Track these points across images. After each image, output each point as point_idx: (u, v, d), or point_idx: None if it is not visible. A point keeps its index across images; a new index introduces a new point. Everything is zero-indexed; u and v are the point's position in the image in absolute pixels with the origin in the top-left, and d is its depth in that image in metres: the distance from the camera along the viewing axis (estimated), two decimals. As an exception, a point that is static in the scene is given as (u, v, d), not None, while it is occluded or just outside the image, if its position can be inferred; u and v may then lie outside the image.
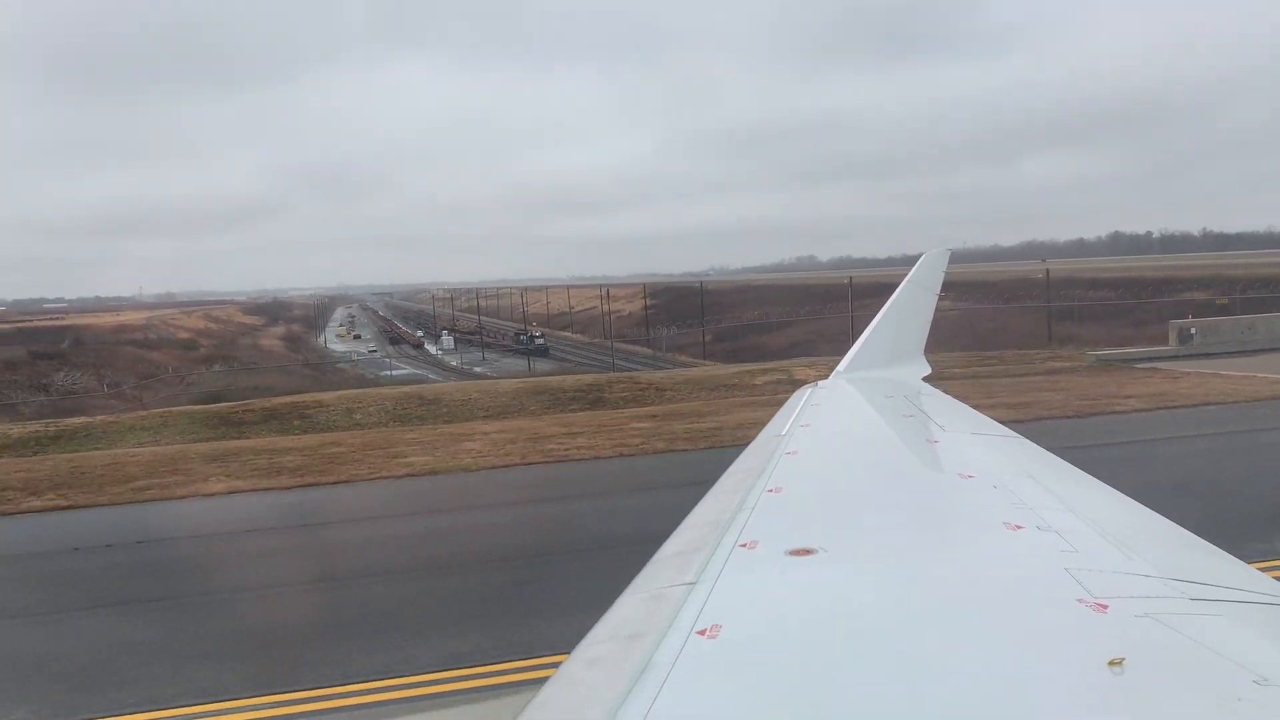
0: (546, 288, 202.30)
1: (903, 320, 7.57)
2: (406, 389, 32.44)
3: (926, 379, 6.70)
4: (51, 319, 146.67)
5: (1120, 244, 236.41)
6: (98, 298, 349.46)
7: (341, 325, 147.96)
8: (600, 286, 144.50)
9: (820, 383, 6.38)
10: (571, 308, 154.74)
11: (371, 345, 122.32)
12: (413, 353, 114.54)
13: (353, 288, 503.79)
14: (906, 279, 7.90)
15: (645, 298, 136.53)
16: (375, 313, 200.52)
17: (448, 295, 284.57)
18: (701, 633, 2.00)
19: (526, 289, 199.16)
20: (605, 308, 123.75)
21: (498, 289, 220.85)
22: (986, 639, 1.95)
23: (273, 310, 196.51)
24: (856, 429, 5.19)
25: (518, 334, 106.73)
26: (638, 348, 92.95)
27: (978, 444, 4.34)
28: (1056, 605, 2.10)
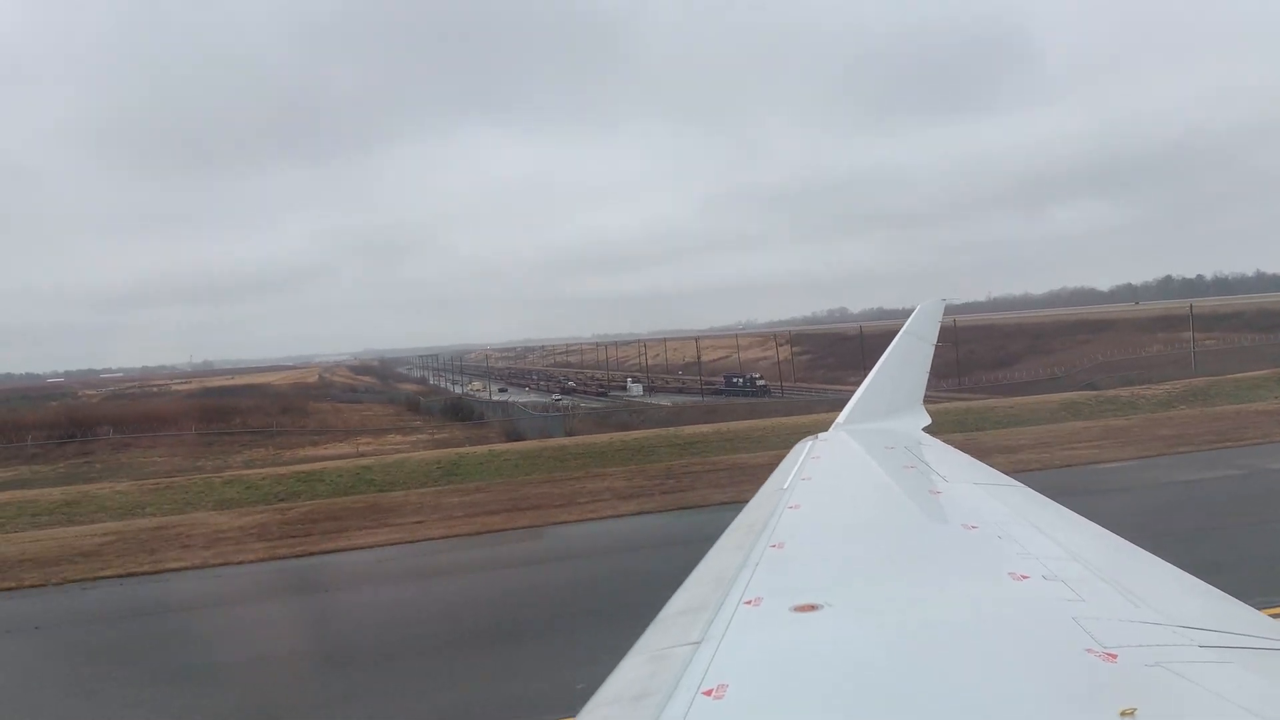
0: (631, 342, 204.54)
1: (901, 371, 7.62)
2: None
3: (926, 429, 6.75)
4: (185, 379, 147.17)
5: (1173, 288, 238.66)
6: (144, 367, 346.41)
7: (475, 381, 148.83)
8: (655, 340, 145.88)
9: (820, 435, 6.43)
10: (701, 358, 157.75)
11: (556, 395, 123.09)
12: (601, 401, 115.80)
13: (384, 351, 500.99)
14: (903, 330, 7.98)
15: (789, 344, 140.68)
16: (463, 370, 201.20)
17: (510, 353, 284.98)
18: (708, 693, 2.01)
19: (615, 344, 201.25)
20: (778, 355, 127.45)
21: (581, 346, 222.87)
22: (997, 692, 1.95)
23: (379, 371, 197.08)
24: (858, 481, 5.20)
25: (730, 377, 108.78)
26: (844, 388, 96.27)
27: (980, 494, 4.34)
28: (1066, 655, 2.11)
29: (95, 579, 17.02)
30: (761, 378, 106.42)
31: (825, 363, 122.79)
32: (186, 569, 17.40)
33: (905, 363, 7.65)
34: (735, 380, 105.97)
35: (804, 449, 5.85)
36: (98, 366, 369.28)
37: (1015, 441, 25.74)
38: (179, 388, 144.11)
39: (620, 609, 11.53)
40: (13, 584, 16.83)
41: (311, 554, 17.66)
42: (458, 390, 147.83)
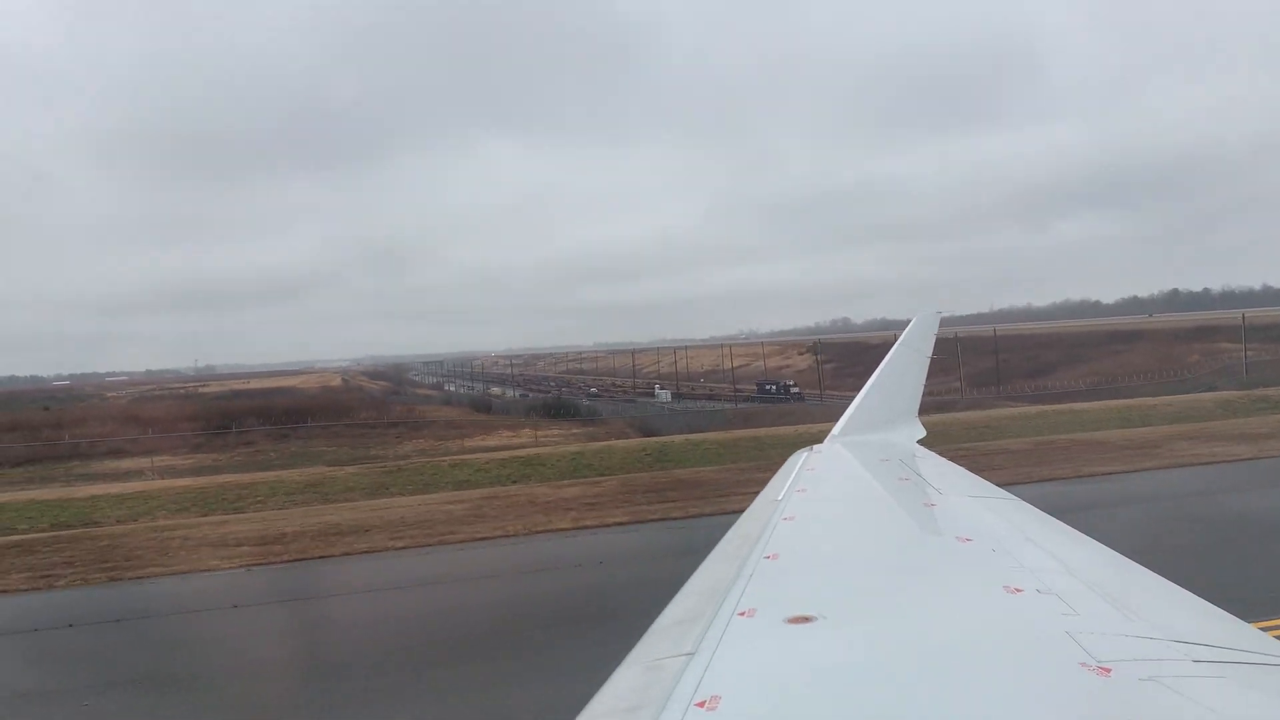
0: (642, 350, 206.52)
1: (896, 383, 7.68)
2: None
3: (921, 441, 6.80)
4: (200, 383, 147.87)
5: (1180, 301, 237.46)
6: (147, 370, 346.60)
7: (494, 386, 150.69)
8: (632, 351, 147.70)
9: (815, 447, 6.50)
10: (726, 366, 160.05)
11: (583, 400, 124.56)
12: (634, 407, 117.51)
13: (384, 358, 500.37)
14: (899, 342, 8.06)
15: (811, 352, 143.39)
16: (475, 376, 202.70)
17: (517, 361, 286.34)
18: (701, 705, 2.01)
19: (629, 351, 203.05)
20: (816, 362, 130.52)
21: (596, 354, 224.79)
22: (990, 706, 1.96)
23: (392, 376, 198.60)
24: (853, 493, 5.25)
25: (763, 384, 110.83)
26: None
27: (975, 507, 4.41)
28: (1059, 669, 2.12)
29: (536, 533, 19.29)
30: (795, 384, 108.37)
31: (854, 370, 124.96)
32: (603, 526, 19.57)
33: (901, 374, 7.75)
34: (768, 387, 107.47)
35: (798, 460, 5.91)
36: (100, 370, 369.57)
37: (1256, 431, 28.01)
38: (204, 390, 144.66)
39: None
40: (463, 538, 19.12)
41: (725, 512, 19.40)
42: (475, 392, 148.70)
